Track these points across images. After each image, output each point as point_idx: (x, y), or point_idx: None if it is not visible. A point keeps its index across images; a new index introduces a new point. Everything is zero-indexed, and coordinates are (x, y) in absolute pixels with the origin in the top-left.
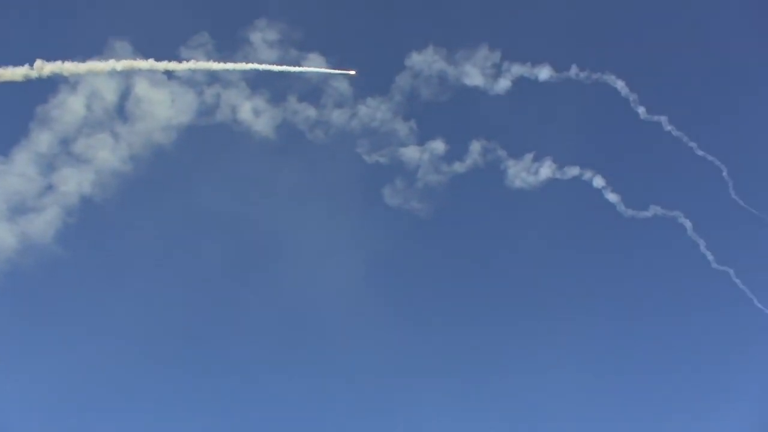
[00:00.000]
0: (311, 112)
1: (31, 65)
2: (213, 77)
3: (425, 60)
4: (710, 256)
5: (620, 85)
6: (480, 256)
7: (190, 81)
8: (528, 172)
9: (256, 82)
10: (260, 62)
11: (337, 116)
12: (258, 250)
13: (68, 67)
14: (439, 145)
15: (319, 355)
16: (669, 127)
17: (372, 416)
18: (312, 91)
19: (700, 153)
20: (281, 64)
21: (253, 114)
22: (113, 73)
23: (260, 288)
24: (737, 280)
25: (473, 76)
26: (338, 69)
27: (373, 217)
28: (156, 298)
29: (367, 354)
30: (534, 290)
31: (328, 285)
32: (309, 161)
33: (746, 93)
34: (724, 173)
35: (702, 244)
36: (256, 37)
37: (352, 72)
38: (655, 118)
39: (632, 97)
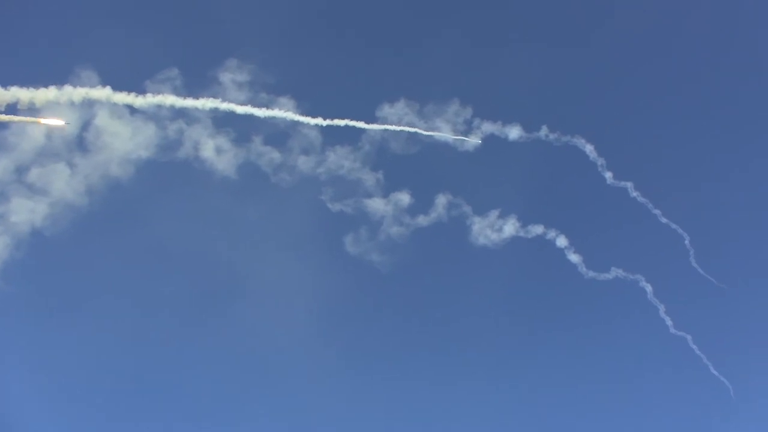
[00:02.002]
0: (276, 155)
1: None
2: (178, 113)
3: (396, 113)
4: (669, 321)
5: (589, 149)
6: (438, 313)
7: (154, 115)
8: (492, 229)
9: (222, 120)
10: (229, 102)
11: (303, 162)
12: (212, 291)
13: (23, 94)
14: (404, 197)
15: (266, 398)
16: (634, 194)
17: None
18: (278, 134)
19: (664, 220)
20: (250, 105)
21: (216, 152)
22: (73, 103)
23: (213, 330)
24: (694, 346)
25: (444, 131)
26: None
27: (332, 265)
28: (104, 338)
29: (312, 400)
30: (491, 350)
31: (280, 329)
32: (271, 204)
33: (712, 165)
34: (686, 241)
35: (661, 309)
36: (225, 77)
37: (479, 141)
38: (622, 183)
39: (600, 161)
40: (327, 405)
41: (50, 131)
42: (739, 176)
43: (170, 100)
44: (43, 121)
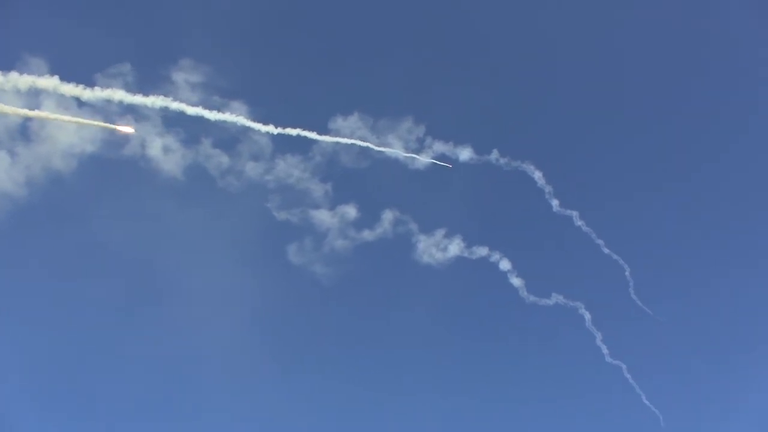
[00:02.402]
0: (224, 159)
1: None
2: (127, 109)
3: (349, 126)
4: (605, 350)
5: (538, 175)
6: (378, 328)
7: (102, 109)
8: (437, 248)
9: (172, 120)
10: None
11: (252, 168)
12: (149, 293)
13: None
14: (351, 211)
15: (200, 405)
16: (579, 222)
17: None
18: (228, 139)
19: (606, 251)
20: (202, 107)
21: (163, 152)
22: (18, 90)
23: (147, 333)
24: (628, 376)
25: (395, 147)
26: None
27: (274, 273)
28: (33, 333)
29: (247, 407)
30: (428, 367)
31: (216, 333)
32: (216, 208)
33: (657, 202)
34: (627, 273)
35: (598, 337)
36: (179, 76)
37: (449, 165)
38: (567, 212)
39: (548, 188)
40: (261, 412)
41: None
42: (683, 213)
43: (119, 95)
44: (112, 126)
